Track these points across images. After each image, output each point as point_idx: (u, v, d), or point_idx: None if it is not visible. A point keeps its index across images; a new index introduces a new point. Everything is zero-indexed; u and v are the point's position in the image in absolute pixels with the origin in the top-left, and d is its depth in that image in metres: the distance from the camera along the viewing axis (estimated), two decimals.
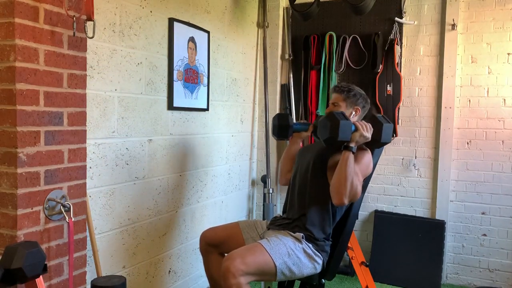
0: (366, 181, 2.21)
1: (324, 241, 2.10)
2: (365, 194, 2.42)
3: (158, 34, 2.50)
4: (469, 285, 3.33)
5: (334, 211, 2.12)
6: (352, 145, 1.98)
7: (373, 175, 2.32)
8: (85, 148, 1.85)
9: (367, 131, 2.00)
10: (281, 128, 2.31)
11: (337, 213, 2.15)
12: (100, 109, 2.12)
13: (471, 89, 3.29)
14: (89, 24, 1.73)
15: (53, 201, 1.70)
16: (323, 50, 3.54)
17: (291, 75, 3.71)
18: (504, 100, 3.21)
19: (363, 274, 2.71)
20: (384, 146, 2.23)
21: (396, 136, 3.44)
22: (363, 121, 2.07)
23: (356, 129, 1.99)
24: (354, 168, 1.97)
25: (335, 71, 3.53)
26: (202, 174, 3.00)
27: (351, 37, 3.48)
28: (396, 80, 3.38)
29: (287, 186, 2.38)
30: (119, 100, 2.23)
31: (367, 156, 2.11)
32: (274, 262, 1.90)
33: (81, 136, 1.83)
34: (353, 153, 1.98)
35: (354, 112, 2.22)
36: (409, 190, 3.47)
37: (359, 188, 2.00)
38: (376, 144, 2.09)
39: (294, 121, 2.73)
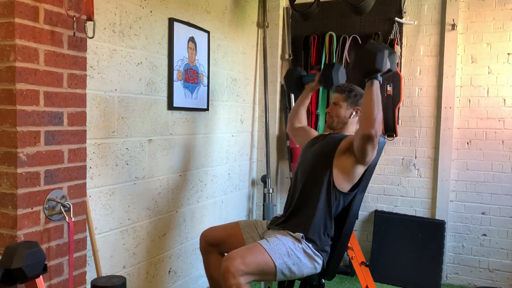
0: (367, 180, 2.21)
1: (324, 241, 2.09)
2: (365, 194, 2.41)
3: (158, 34, 2.50)
4: (469, 285, 3.33)
5: (330, 208, 2.11)
6: (379, 73, 1.94)
7: (373, 175, 2.32)
8: (85, 148, 1.85)
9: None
10: (296, 79, 2.50)
11: (334, 210, 2.12)
12: (100, 109, 2.12)
13: (471, 89, 3.29)
14: (89, 24, 1.73)
15: (53, 201, 1.70)
16: (323, 50, 3.54)
17: None
18: (504, 100, 3.21)
19: (363, 274, 2.72)
20: (384, 146, 2.23)
21: (396, 136, 3.44)
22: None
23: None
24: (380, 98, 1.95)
25: None
26: (202, 174, 3.00)
27: (351, 37, 3.48)
28: (396, 80, 3.37)
29: (287, 186, 2.38)
30: (119, 100, 2.24)
31: None
32: (273, 262, 1.90)
33: (81, 136, 1.83)
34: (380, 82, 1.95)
35: (355, 112, 2.23)
36: (409, 190, 3.47)
37: (381, 127, 1.98)
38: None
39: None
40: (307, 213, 2.10)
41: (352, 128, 2.27)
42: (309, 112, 3.63)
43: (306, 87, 2.52)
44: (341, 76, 2.33)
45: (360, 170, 2.11)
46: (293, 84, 2.57)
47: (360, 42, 3.46)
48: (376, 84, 1.93)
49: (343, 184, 2.11)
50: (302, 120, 2.56)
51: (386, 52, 1.91)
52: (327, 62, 3.54)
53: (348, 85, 2.26)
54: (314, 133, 2.49)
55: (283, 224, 2.18)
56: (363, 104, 1.98)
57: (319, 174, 2.12)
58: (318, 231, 2.08)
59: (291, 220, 2.16)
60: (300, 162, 2.29)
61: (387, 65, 1.92)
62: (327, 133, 2.37)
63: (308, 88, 2.51)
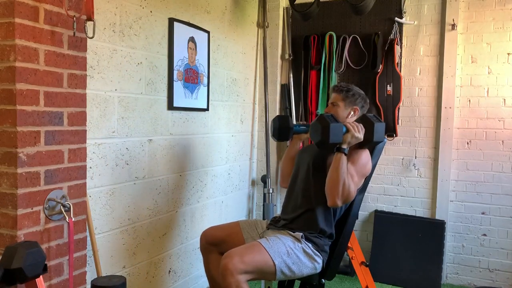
0: (366, 180, 2.21)
1: (324, 240, 2.10)
2: (365, 194, 2.42)
3: (158, 34, 2.50)
4: (469, 285, 3.33)
5: (334, 210, 2.12)
6: (344, 146, 1.99)
7: (373, 175, 2.32)
8: (85, 148, 1.85)
9: (359, 132, 2.01)
10: (281, 130, 2.30)
11: (337, 212, 2.15)
12: (100, 109, 2.12)
13: (471, 89, 3.29)
14: (89, 24, 1.73)
15: (53, 201, 1.70)
16: (323, 50, 3.54)
17: (291, 75, 3.71)
18: (504, 100, 3.21)
19: (363, 274, 2.71)
20: (384, 146, 2.23)
21: (396, 136, 3.44)
22: (355, 122, 2.07)
23: (348, 131, 2.00)
24: (346, 170, 1.98)
25: (335, 71, 3.53)
26: (202, 174, 3.00)
27: (351, 37, 3.48)
28: (396, 80, 3.38)
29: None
30: (119, 100, 2.24)
31: (364, 156, 2.11)
32: (273, 261, 1.91)
33: (81, 136, 1.83)
34: (345, 154, 1.99)
35: (352, 112, 2.22)
36: (409, 190, 3.47)
37: (352, 190, 2.01)
38: (369, 143, 2.08)
39: (294, 122, 2.73)
40: (307, 214, 2.11)
41: None
42: (309, 112, 3.64)
43: (294, 137, 2.37)
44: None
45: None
46: (278, 132, 2.31)
47: (360, 42, 3.46)
48: (340, 156, 1.98)
49: None
50: (291, 171, 2.38)
51: (332, 125, 1.94)
52: (327, 62, 3.54)
53: (346, 85, 2.26)
54: None
55: (283, 224, 2.18)
56: (328, 177, 2.02)
57: (317, 175, 2.12)
58: (318, 230, 2.08)
59: (291, 219, 2.16)
60: (298, 164, 2.29)
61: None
62: None
63: (299, 138, 2.39)
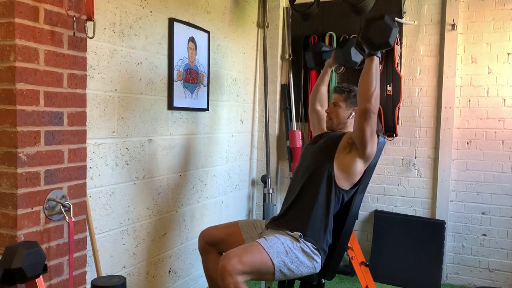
0: (367, 180, 2.21)
1: (323, 240, 2.09)
2: (365, 194, 2.42)
3: (158, 34, 2.50)
4: (469, 285, 3.33)
5: (335, 205, 2.11)
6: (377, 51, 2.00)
7: (373, 175, 2.32)
8: (85, 148, 1.85)
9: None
10: (315, 55, 2.49)
11: (332, 208, 2.12)
12: (100, 109, 2.12)
13: (471, 89, 3.29)
14: (89, 24, 1.73)
15: (53, 201, 1.70)
16: None
17: (291, 75, 3.71)
18: (504, 100, 3.21)
19: (363, 274, 2.71)
20: (384, 146, 2.23)
21: (396, 136, 3.44)
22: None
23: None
24: (379, 76, 2.00)
25: (335, 71, 3.53)
26: (202, 174, 3.00)
27: (351, 37, 3.48)
28: (396, 80, 3.38)
29: (287, 186, 2.38)
30: (119, 100, 2.24)
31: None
32: (271, 261, 1.90)
33: (81, 136, 1.83)
34: (378, 57, 2.00)
35: (353, 113, 2.23)
36: (409, 190, 3.47)
37: (378, 104, 2.00)
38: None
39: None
40: (306, 212, 2.10)
41: (352, 128, 2.27)
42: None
43: (325, 64, 2.51)
44: (354, 53, 2.29)
45: (360, 166, 2.11)
46: (312, 59, 2.55)
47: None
48: (377, 60, 1.98)
49: (344, 183, 2.11)
50: (323, 101, 2.54)
51: (397, 29, 1.96)
52: None
53: (348, 86, 2.27)
54: (323, 127, 2.48)
55: (282, 222, 2.17)
56: (361, 80, 2.00)
57: (320, 172, 2.12)
58: (317, 230, 2.08)
59: (290, 218, 2.15)
60: (301, 161, 2.30)
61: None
62: (326, 131, 2.38)
63: (327, 64, 2.51)
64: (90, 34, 1.72)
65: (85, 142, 1.85)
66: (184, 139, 2.78)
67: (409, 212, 3.46)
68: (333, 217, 2.14)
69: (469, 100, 3.30)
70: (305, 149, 2.37)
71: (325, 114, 2.39)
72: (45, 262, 1.36)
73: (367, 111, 1.96)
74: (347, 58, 2.35)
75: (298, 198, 2.17)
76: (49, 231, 1.71)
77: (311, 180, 2.14)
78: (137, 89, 2.36)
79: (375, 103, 1.96)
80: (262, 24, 3.66)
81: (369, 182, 2.29)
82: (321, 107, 2.53)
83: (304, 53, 2.50)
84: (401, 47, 3.41)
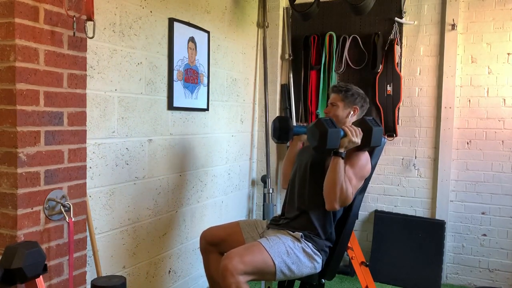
0: (367, 181, 2.21)
1: (324, 240, 2.10)
2: (365, 194, 2.42)
3: (158, 34, 2.50)
4: (469, 285, 3.33)
5: (334, 211, 2.12)
6: (341, 150, 1.98)
7: (373, 175, 2.32)
8: (85, 148, 1.85)
9: (357, 136, 1.99)
10: (281, 131, 2.30)
11: (337, 212, 2.15)
12: (100, 109, 2.12)
13: (471, 89, 3.29)
14: (89, 24, 1.73)
15: (53, 201, 1.70)
16: (323, 50, 3.54)
17: (291, 75, 3.71)
18: (504, 100, 3.21)
19: (363, 274, 2.71)
20: (384, 146, 2.23)
21: (396, 136, 3.44)
22: (353, 125, 2.05)
23: (345, 135, 1.98)
24: (343, 173, 1.97)
25: (335, 71, 3.53)
26: (202, 174, 3.00)
27: (351, 37, 3.49)
28: (396, 80, 3.38)
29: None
30: (119, 100, 2.24)
31: (363, 157, 2.10)
32: (273, 261, 1.91)
33: (81, 136, 1.83)
34: (342, 158, 1.98)
35: (352, 112, 2.22)
36: (409, 190, 3.47)
37: (350, 193, 2.00)
38: (366, 147, 2.08)
39: (294, 123, 2.71)
40: (307, 214, 2.11)
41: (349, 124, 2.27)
42: (309, 112, 3.64)
43: (294, 138, 2.39)
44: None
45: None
46: (281, 135, 2.31)
47: (360, 42, 3.46)
48: (341, 162, 1.97)
49: None
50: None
51: (334, 130, 1.93)
52: (327, 62, 3.54)
53: (345, 85, 2.26)
54: None
55: (282, 223, 2.18)
56: (325, 181, 2.01)
57: (316, 176, 2.12)
58: (319, 230, 2.08)
59: (290, 218, 2.16)
60: (297, 164, 2.29)
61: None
62: None
63: (297, 139, 2.41)
64: (90, 34, 1.72)
65: (85, 142, 1.85)
66: (184, 139, 2.78)
67: (409, 212, 3.46)
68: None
69: (469, 100, 3.30)
70: (301, 152, 2.37)
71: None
72: (45, 262, 1.36)
73: (333, 209, 2.03)
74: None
75: (298, 201, 2.17)
76: (49, 231, 1.71)
77: (309, 183, 2.14)
78: (137, 89, 2.36)
79: (343, 201, 2.00)
80: (262, 24, 3.66)
81: (369, 182, 2.29)
82: None
83: (273, 122, 2.32)
84: (401, 47, 3.41)
